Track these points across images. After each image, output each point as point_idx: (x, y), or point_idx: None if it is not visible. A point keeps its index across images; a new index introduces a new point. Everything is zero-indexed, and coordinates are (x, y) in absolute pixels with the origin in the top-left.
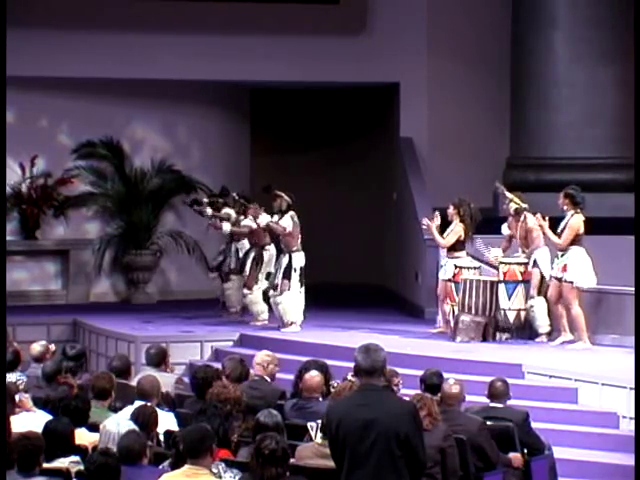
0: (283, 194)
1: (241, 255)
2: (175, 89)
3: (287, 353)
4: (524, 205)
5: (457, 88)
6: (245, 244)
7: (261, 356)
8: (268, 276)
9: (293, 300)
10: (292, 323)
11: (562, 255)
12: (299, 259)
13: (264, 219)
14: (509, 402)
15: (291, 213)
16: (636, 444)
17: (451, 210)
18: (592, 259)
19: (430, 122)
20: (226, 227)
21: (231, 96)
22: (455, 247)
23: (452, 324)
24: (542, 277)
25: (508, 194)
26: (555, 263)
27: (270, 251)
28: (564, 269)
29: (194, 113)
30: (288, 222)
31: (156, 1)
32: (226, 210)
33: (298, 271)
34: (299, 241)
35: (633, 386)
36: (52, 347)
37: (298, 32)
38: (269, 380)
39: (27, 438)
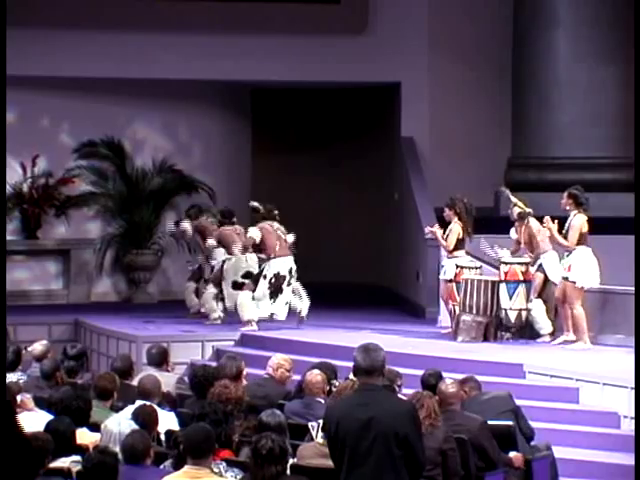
0: (258, 206)
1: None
2: (176, 89)
3: (288, 353)
4: (528, 210)
5: (458, 88)
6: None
7: (275, 359)
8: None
9: (248, 299)
10: (248, 322)
11: (567, 255)
12: (273, 267)
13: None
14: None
15: (260, 224)
16: (636, 444)
17: (447, 211)
18: (597, 258)
19: (431, 122)
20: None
21: (232, 96)
22: (455, 246)
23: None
24: (545, 281)
25: (513, 198)
26: (561, 264)
27: (232, 260)
28: (569, 269)
29: (195, 113)
30: (255, 233)
31: (157, 1)
32: (209, 242)
33: (269, 278)
34: (276, 249)
35: (634, 386)
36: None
37: (299, 32)
38: (275, 379)
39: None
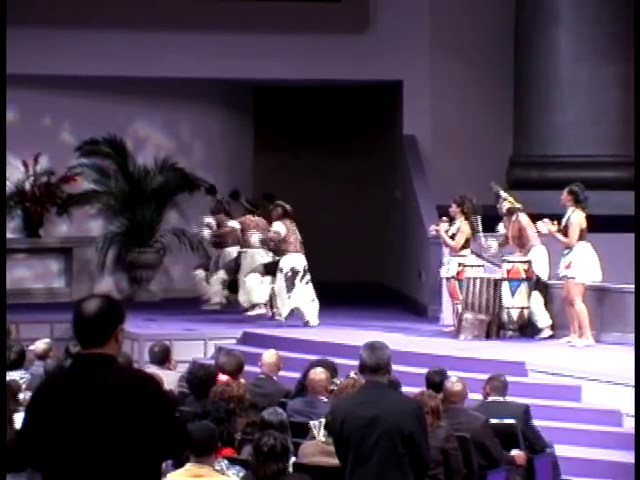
0: (282, 203)
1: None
2: (178, 87)
3: (291, 351)
4: (517, 205)
5: (460, 86)
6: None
7: (269, 356)
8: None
9: (257, 282)
10: (255, 305)
11: (567, 253)
12: (290, 261)
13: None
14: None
15: (283, 220)
16: (636, 442)
17: (454, 208)
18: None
19: (433, 120)
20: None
21: (234, 94)
22: (462, 245)
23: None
24: (537, 276)
25: (502, 193)
26: (561, 261)
27: (248, 252)
28: (568, 266)
29: (197, 111)
30: (280, 227)
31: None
32: (231, 223)
33: (285, 271)
34: (294, 245)
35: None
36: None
37: (301, 30)
38: (275, 379)
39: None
